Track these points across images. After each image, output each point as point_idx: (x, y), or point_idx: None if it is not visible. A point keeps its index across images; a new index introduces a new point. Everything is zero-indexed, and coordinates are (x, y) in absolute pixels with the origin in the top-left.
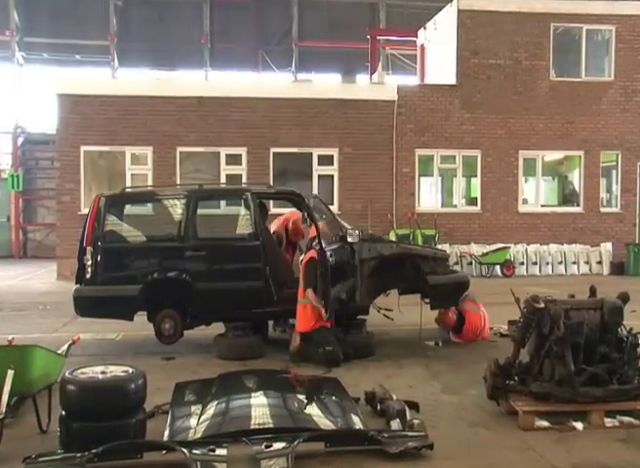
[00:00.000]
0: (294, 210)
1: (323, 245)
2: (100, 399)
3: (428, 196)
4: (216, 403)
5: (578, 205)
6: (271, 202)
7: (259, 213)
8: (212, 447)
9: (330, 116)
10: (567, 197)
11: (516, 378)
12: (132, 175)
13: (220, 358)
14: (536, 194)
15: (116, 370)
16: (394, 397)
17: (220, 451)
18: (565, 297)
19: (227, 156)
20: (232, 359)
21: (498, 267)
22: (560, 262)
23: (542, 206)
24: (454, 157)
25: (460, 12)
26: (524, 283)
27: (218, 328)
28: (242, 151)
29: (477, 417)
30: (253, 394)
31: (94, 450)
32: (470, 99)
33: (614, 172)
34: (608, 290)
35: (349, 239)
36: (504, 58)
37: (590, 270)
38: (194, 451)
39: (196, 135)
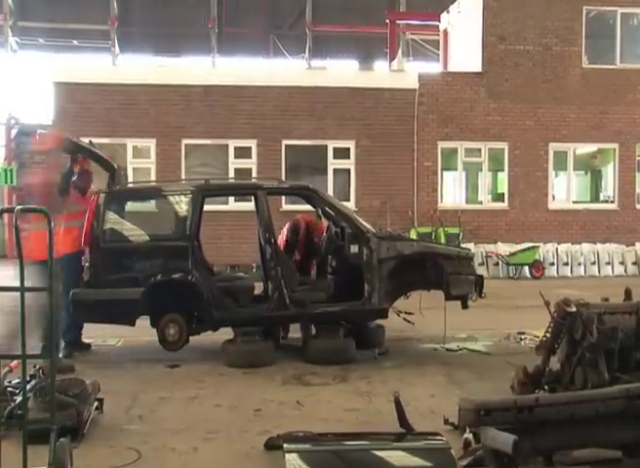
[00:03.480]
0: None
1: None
2: None
3: (452, 192)
4: None
5: (612, 201)
6: (283, 198)
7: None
8: None
9: (346, 106)
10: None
11: (546, 388)
12: (134, 168)
13: (228, 365)
14: (567, 190)
15: None
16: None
17: None
18: (598, 301)
19: (236, 149)
20: (241, 366)
21: (526, 268)
22: (593, 263)
23: (574, 202)
24: (479, 150)
25: None
26: (554, 285)
27: (225, 333)
28: (252, 144)
29: None
30: None
31: None
32: (497, 88)
33: None
34: None
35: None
36: (533, 43)
37: (625, 271)
38: None
39: (203, 126)
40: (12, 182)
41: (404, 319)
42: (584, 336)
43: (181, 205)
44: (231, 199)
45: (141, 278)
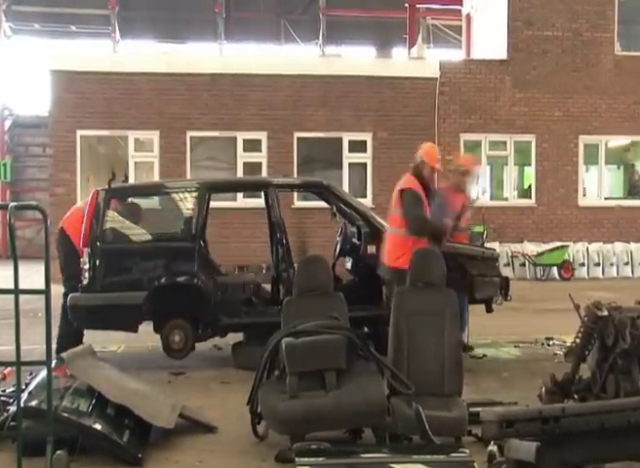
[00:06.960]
0: None
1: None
2: None
3: (475, 187)
4: None
5: None
6: (295, 194)
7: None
8: None
9: (362, 96)
10: (633, 188)
11: (576, 397)
12: (135, 163)
13: (238, 367)
14: (598, 185)
15: None
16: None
17: None
18: (632, 304)
19: (245, 142)
20: (253, 368)
21: (555, 269)
22: (626, 263)
23: (606, 199)
24: (504, 143)
25: None
26: (585, 287)
27: (229, 338)
28: (262, 136)
29: None
30: None
31: None
32: (523, 77)
33: None
34: None
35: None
36: (562, 29)
37: None
38: None
39: (209, 117)
40: (6, 177)
41: None
42: (617, 342)
43: (186, 202)
44: (240, 195)
45: (144, 281)
